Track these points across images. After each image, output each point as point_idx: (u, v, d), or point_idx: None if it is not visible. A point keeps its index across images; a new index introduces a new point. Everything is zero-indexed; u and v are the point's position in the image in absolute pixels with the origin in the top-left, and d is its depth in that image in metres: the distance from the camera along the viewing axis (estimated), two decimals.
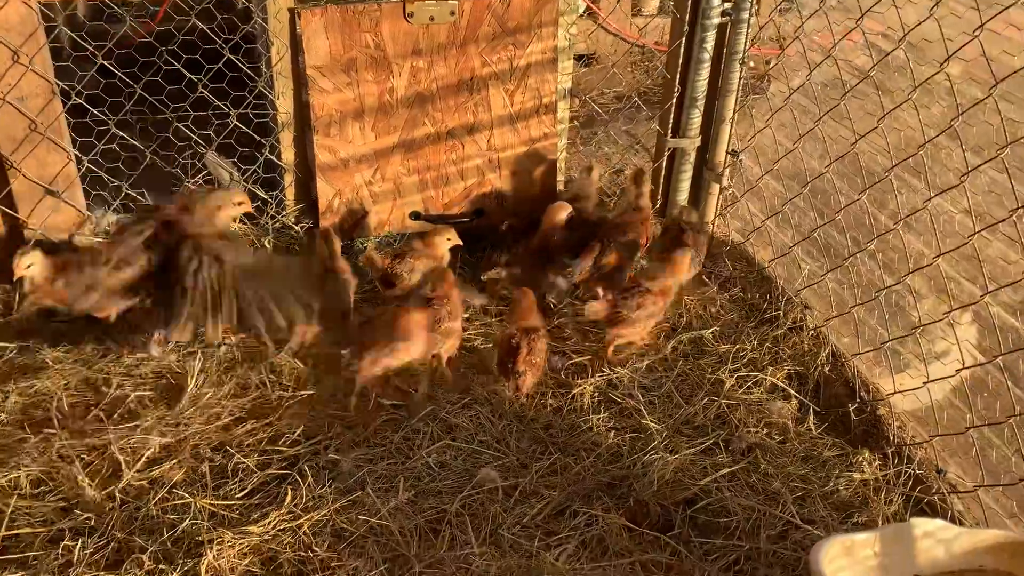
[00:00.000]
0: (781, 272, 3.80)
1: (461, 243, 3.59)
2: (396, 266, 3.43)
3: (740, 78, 3.75)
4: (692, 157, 3.99)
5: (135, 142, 3.70)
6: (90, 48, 3.43)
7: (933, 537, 2.39)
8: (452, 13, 3.55)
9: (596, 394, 3.21)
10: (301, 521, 2.62)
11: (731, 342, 3.49)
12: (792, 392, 3.27)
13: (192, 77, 3.61)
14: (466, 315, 3.44)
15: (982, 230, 2.75)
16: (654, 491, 2.81)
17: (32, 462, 2.74)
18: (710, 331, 3.54)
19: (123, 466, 2.75)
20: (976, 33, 2.68)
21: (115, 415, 2.95)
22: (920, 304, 3.31)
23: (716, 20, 3.62)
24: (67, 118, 3.37)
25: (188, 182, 3.77)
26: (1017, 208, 2.55)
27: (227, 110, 3.67)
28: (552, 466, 2.91)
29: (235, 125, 3.70)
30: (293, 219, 3.85)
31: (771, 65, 4.28)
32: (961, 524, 2.68)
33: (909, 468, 2.93)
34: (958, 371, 2.84)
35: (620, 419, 3.13)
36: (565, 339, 3.47)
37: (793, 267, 3.80)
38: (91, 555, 2.50)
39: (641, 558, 2.61)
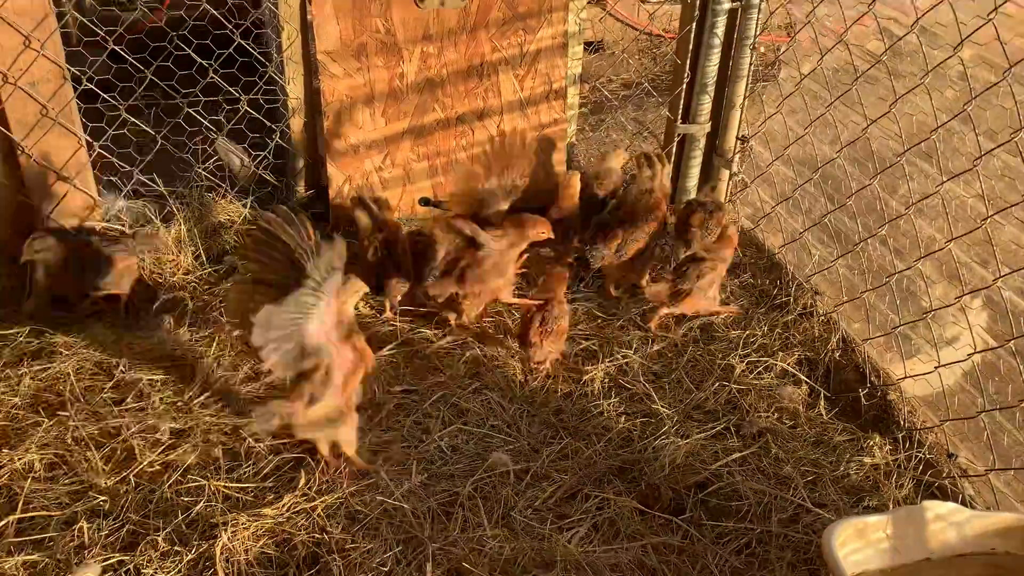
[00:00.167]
0: (791, 258, 3.80)
1: (553, 236, 3.39)
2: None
3: (750, 64, 3.74)
4: (702, 143, 3.98)
5: (146, 128, 3.71)
6: (101, 33, 3.44)
7: (945, 520, 2.39)
8: None
9: (606, 380, 3.22)
10: (315, 503, 2.63)
11: (741, 328, 3.49)
12: (803, 377, 3.27)
13: (203, 63, 3.62)
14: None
15: (994, 214, 2.74)
16: (665, 475, 2.81)
17: (46, 446, 2.76)
18: (720, 317, 3.54)
19: (135, 451, 2.76)
20: (990, 16, 2.67)
21: (128, 399, 2.97)
22: (931, 289, 3.30)
23: (727, 5, 3.62)
24: (78, 103, 3.37)
25: (199, 167, 3.77)
26: None
27: (238, 96, 3.67)
28: (563, 450, 2.92)
29: (246, 111, 3.71)
30: (303, 205, 3.86)
31: (781, 51, 4.26)
32: (973, 508, 2.68)
33: (920, 452, 2.93)
34: (969, 355, 2.84)
35: (631, 404, 3.13)
36: (575, 324, 3.48)
37: (803, 253, 3.80)
38: (106, 536, 2.51)
39: (653, 541, 2.62)
